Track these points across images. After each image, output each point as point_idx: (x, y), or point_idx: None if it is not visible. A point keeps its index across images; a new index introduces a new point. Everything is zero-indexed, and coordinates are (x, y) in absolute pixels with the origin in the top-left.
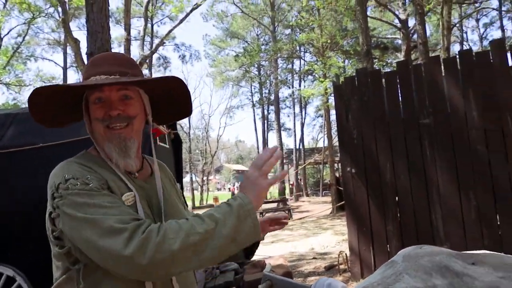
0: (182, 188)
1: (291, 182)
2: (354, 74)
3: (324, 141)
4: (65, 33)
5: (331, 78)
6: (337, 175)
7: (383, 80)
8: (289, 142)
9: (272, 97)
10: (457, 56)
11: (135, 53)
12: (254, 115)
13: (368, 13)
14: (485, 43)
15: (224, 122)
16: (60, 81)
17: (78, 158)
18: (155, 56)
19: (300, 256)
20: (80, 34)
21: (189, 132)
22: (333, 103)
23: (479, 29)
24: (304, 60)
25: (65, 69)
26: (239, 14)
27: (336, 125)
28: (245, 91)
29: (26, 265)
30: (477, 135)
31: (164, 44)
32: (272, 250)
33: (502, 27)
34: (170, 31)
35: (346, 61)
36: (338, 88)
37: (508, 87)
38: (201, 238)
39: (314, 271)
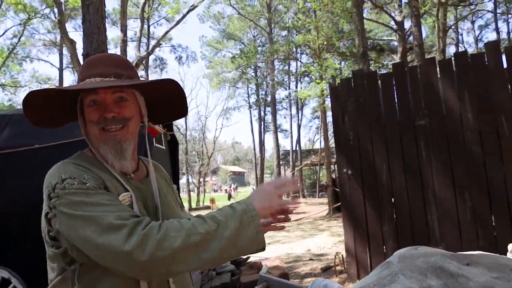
0: (178, 189)
1: None
2: (350, 75)
3: (320, 143)
4: (61, 34)
5: (327, 80)
6: (333, 176)
7: (379, 82)
8: (285, 144)
9: (269, 99)
10: (453, 58)
11: (132, 54)
12: (251, 117)
13: (364, 15)
14: (481, 45)
15: (220, 123)
16: (56, 82)
17: (74, 159)
18: (151, 57)
19: (296, 258)
20: (76, 35)
21: (185, 134)
22: (330, 105)
23: (474, 31)
24: (300, 61)
25: (61, 70)
26: (236, 15)
27: (332, 126)
28: (242, 93)
29: (21, 267)
30: (472, 137)
31: (161, 46)
32: (269, 251)
33: (497, 29)
34: (166, 33)
35: (343, 62)
36: (335, 90)
37: (503, 89)
38: (202, 239)
39: (311, 273)
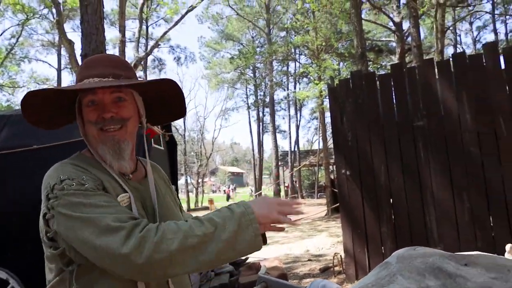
0: (177, 190)
1: (286, 184)
2: (348, 76)
3: (319, 143)
4: (60, 34)
5: (326, 81)
6: (332, 177)
7: (378, 82)
8: (284, 144)
9: (267, 99)
10: (451, 59)
11: (130, 55)
12: (249, 117)
13: (362, 16)
14: (479, 46)
15: (219, 124)
16: (54, 83)
17: (72, 160)
18: (150, 58)
19: (295, 258)
20: (75, 35)
21: (184, 134)
22: (328, 106)
23: (472, 32)
24: (299, 62)
25: (59, 70)
26: (234, 16)
27: (331, 127)
28: (240, 93)
29: (21, 267)
30: (470, 138)
31: (159, 46)
32: (267, 252)
33: (495, 30)
34: (165, 33)
35: (341, 63)
36: (333, 91)
37: (501, 90)
38: (200, 241)
39: (309, 273)
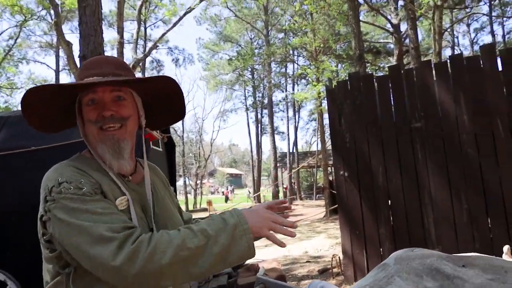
0: (175, 191)
1: (285, 186)
2: (346, 78)
3: (317, 145)
4: (58, 36)
5: (324, 82)
6: (330, 178)
7: (376, 84)
8: (282, 146)
9: (266, 101)
10: (448, 61)
11: (128, 56)
12: (248, 119)
13: (360, 17)
14: (476, 47)
15: (217, 125)
16: None
17: (72, 161)
18: (148, 59)
19: (293, 260)
20: (73, 37)
21: (182, 136)
22: (326, 107)
23: (470, 34)
24: (297, 64)
25: (57, 72)
26: (233, 18)
27: (329, 128)
28: (239, 95)
29: (18, 268)
30: (468, 139)
31: (158, 48)
32: (266, 253)
33: (492, 32)
34: (163, 35)
35: (339, 65)
36: (331, 92)
37: (498, 92)
38: (191, 254)
39: (308, 275)
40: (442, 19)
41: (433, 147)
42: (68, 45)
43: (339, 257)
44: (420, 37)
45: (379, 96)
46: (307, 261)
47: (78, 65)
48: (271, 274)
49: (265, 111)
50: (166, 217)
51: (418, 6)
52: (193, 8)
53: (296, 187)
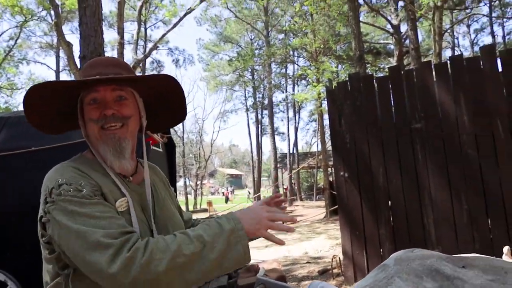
0: (175, 192)
1: (285, 187)
2: (347, 79)
3: (317, 146)
4: (58, 36)
5: (324, 83)
6: (330, 179)
7: (376, 85)
8: (282, 147)
9: (266, 102)
10: (448, 62)
11: (129, 57)
12: (248, 120)
13: (360, 18)
14: (476, 48)
15: (218, 126)
16: None
17: (73, 162)
18: (148, 60)
19: (294, 260)
20: (73, 37)
21: (182, 136)
22: (326, 108)
23: (470, 34)
24: (297, 64)
25: (57, 72)
26: (233, 18)
27: (329, 129)
28: (239, 96)
29: (19, 268)
30: (468, 140)
31: (158, 48)
32: (266, 254)
33: (492, 33)
34: (163, 35)
35: (339, 66)
36: (331, 93)
37: (498, 93)
38: (187, 260)
39: (308, 275)
40: (442, 20)
41: (433, 147)
42: (69, 45)
43: (339, 258)
44: (420, 38)
45: (379, 97)
46: (307, 262)
47: (79, 65)
48: (271, 275)
49: (265, 111)
50: (166, 217)
51: (418, 7)
52: (193, 9)
53: (296, 187)
